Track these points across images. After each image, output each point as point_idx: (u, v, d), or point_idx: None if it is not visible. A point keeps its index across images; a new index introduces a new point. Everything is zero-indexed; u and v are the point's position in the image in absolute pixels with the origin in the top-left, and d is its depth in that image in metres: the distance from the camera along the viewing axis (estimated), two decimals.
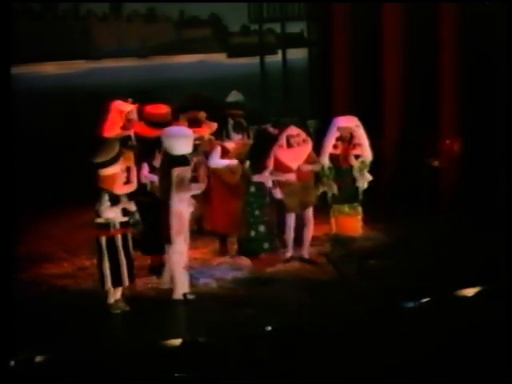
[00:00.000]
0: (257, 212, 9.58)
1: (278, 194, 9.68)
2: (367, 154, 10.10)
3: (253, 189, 9.59)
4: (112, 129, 9.81)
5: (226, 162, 9.83)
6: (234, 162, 9.81)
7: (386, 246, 10.40)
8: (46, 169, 13.02)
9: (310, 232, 10.08)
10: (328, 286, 9.24)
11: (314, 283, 9.34)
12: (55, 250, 10.66)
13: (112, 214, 8.41)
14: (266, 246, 9.64)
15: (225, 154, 9.86)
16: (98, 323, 8.42)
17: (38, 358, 7.50)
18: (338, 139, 10.07)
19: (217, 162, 9.84)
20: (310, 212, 9.98)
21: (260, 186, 9.62)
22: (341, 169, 10.08)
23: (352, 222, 10.23)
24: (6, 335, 7.18)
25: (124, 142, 9.43)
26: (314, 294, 9.03)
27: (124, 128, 9.89)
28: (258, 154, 9.63)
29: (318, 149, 10.11)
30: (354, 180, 10.11)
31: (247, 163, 9.66)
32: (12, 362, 7.29)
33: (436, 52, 11.66)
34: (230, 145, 9.94)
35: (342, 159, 10.06)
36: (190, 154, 8.93)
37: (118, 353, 7.72)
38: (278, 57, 19.67)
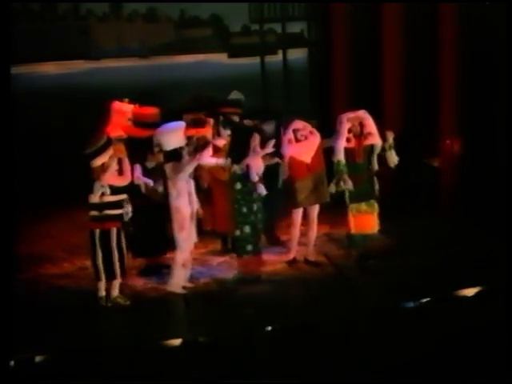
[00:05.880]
0: (244, 210, 9.26)
1: (262, 190, 9.29)
2: (379, 142, 9.91)
3: (238, 186, 9.28)
4: (116, 130, 9.78)
5: (213, 160, 9.65)
6: (221, 160, 9.67)
7: (387, 246, 10.38)
8: (46, 169, 13.03)
9: (313, 233, 9.98)
10: (328, 286, 9.25)
11: (314, 283, 9.34)
12: (55, 250, 10.68)
13: (96, 200, 8.48)
14: (249, 247, 9.34)
15: (215, 151, 9.78)
16: (98, 323, 8.41)
17: (38, 358, 7.51)
18: (349, 131, 9.84)
19: (206, 160, 9.82)
20: (314, 212, 9.89)
21: (246, 181, 9.27)
22: (356, 164, 9.84)
23: (370, 220, 10.00)
24: (6, 335, 7.18)
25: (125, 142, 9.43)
26: (314, 293, 9.03)
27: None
28: (239, 148, 9.40)
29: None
30: (369, 176, 9.91)
31: (229, 159, 9.43)
32: (12, 362, 7.29)
33: (436, 52, 11.66)
34: (220, 142, 9.93)
35: (357, 153, 9.87)
36: (182, 148, 9.03)
37: (118, 353, 7.72)
38: (279, 57, 19.69)
